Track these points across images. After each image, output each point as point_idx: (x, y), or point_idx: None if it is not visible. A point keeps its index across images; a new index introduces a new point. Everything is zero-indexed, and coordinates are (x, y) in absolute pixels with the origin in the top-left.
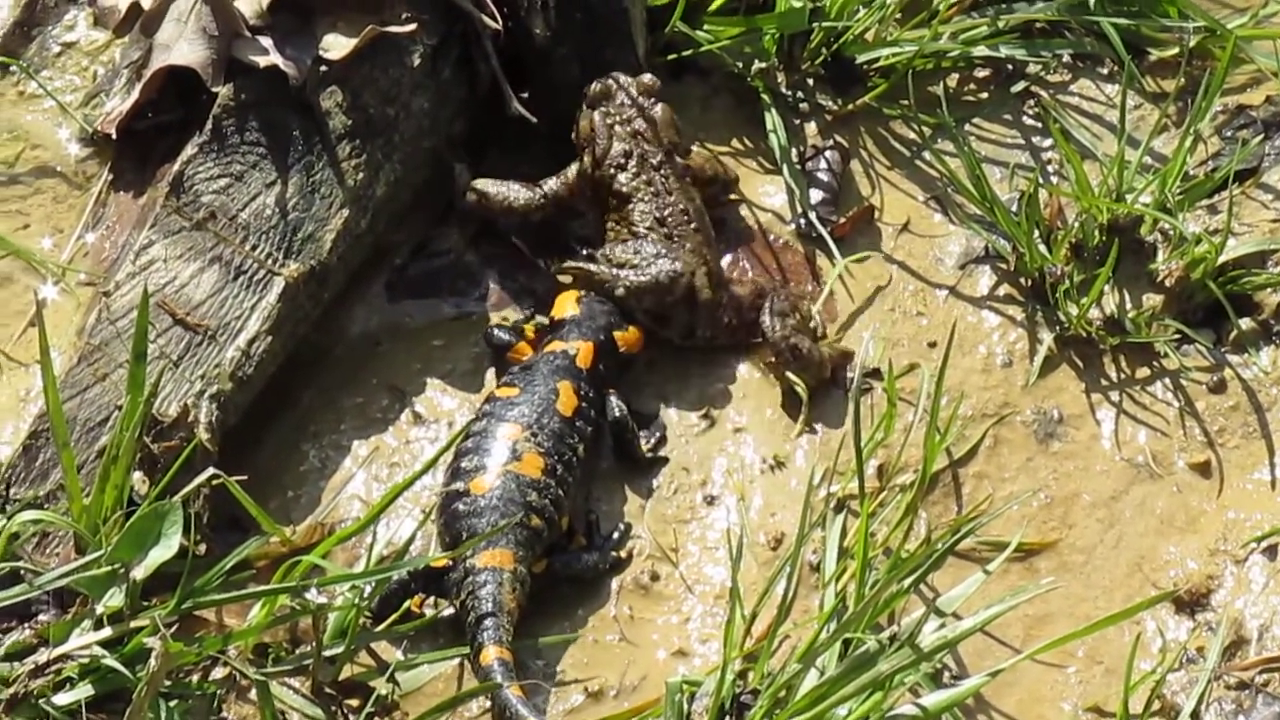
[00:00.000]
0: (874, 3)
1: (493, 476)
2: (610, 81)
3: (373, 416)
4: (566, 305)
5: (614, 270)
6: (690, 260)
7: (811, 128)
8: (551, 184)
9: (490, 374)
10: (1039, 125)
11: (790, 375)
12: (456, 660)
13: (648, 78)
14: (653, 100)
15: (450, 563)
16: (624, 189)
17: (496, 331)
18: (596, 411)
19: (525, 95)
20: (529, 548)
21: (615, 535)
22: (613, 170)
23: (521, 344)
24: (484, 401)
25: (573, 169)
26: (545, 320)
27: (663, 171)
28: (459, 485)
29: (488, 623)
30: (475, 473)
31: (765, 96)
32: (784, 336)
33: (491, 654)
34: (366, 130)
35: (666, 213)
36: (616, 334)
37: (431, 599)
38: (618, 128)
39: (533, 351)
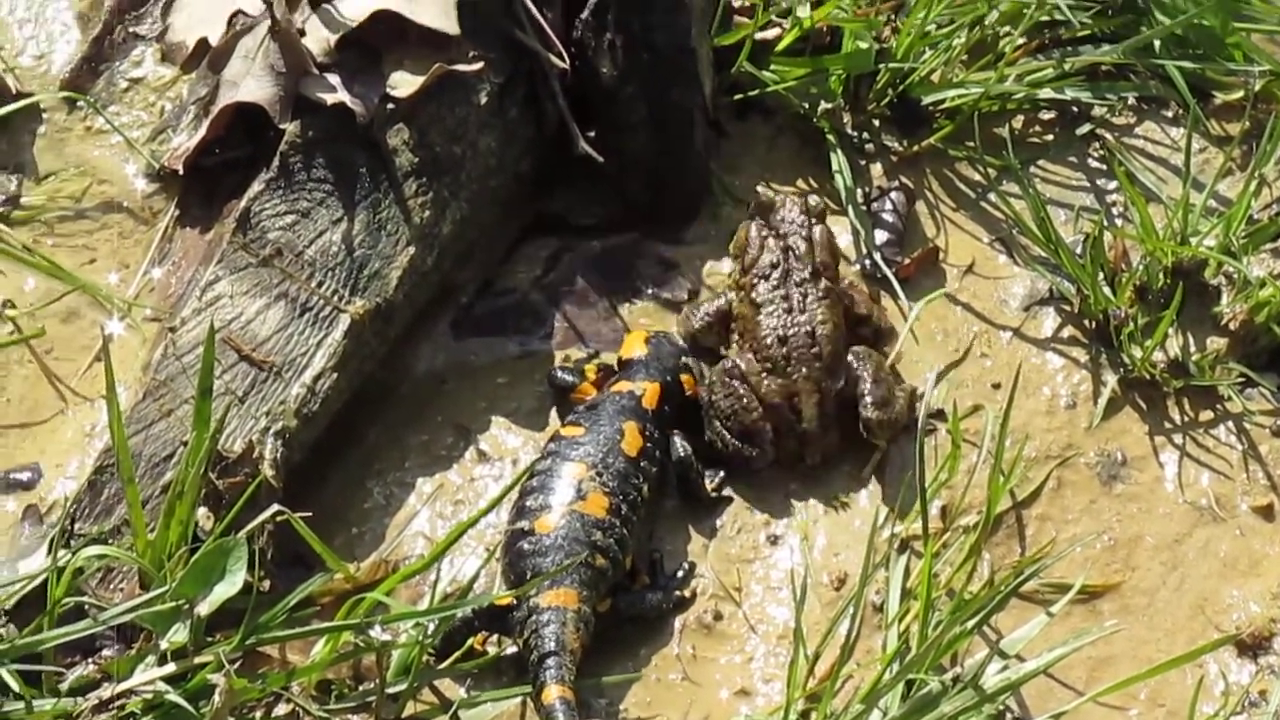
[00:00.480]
0: (940, 44)
1: (557, 516)
2: (776, 196)
3: (437, 454)
4: (635, 345)
5: (710, 417)
6: (802, 386)
7: (877, 168)
8: (716, 304)
9: (554, 413)
10: (1104, 168)
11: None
12: (519, 699)
13: (814, 200)
14: (814, 221)
15: (514, 601)
16: (759, 298)
17: (559, 373)
18: (661, 451)
19: (592, 134)
20: (593, 587)
21: (679, 574)
22: (756, 279)
23: (584, 384)
24: (549, 440)
25: (722, 298)
26: (604, 360)
27: (803, 289)
28: (524, 524)
29: (550, 661)
30: (540, 512)
31: (831, 137)
32: (881, 422)
33: (554, 693)
34: (433, 168)
35: (790, 332)
36: (684, 376)
37: (495, 637)
38: (770, 240)
39: (595, 392)
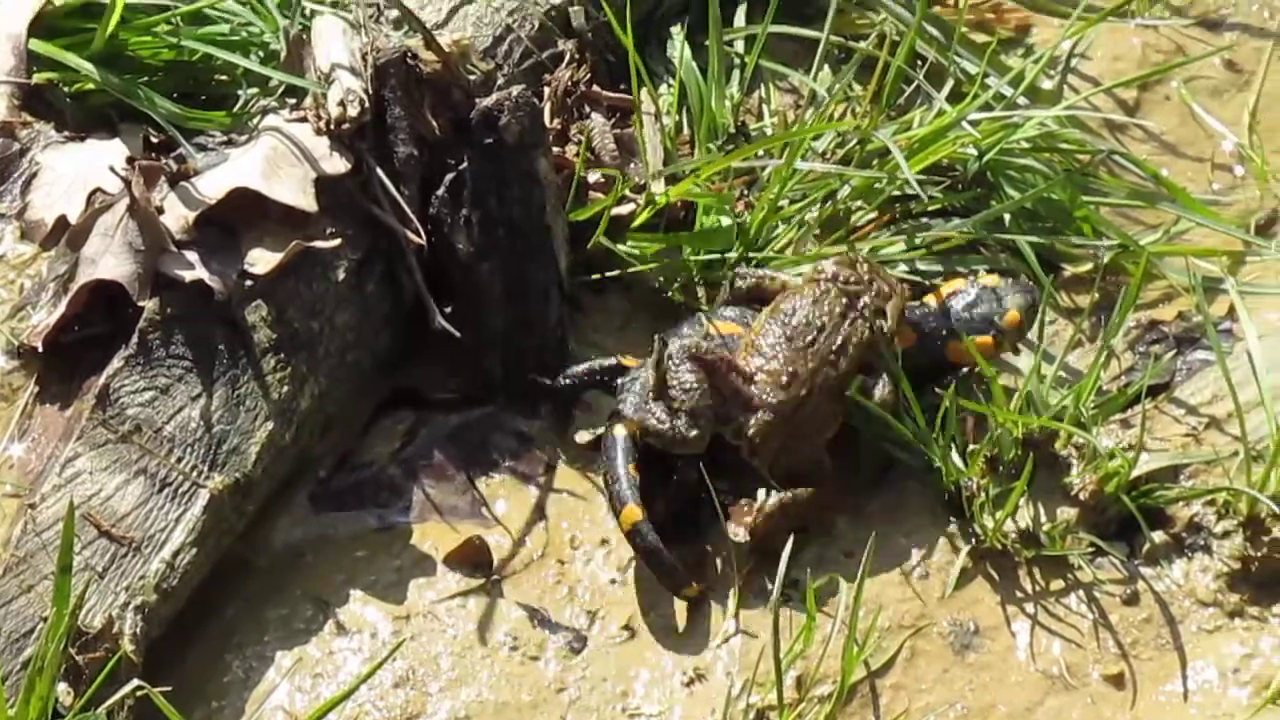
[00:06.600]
0: (793, 219)
1: None
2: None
3: (296, 628)
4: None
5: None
6: (790, 386)
7: None
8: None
9: (412, 584)
10: None
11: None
12: None
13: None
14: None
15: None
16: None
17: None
18: None
19: (449, 309)
20: None
21: None
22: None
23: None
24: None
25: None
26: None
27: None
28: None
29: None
30: None
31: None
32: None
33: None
34: (291, 344)
35: (823, 329)
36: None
37: None
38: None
39: None
